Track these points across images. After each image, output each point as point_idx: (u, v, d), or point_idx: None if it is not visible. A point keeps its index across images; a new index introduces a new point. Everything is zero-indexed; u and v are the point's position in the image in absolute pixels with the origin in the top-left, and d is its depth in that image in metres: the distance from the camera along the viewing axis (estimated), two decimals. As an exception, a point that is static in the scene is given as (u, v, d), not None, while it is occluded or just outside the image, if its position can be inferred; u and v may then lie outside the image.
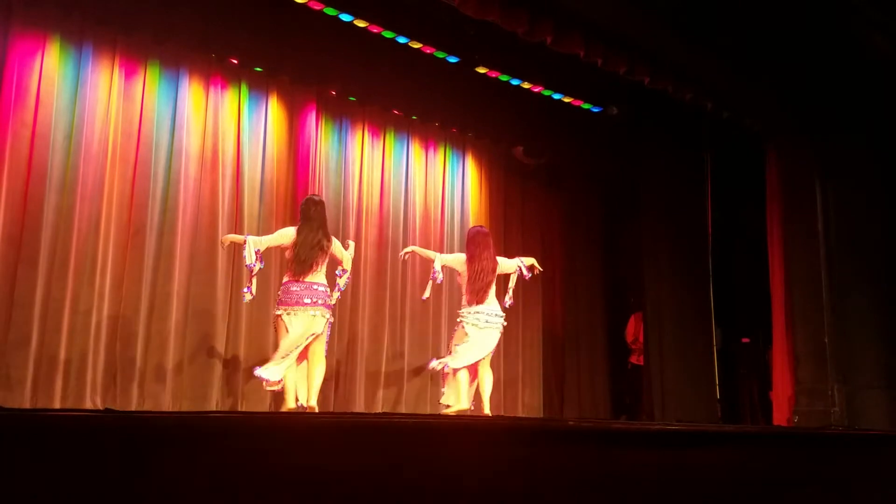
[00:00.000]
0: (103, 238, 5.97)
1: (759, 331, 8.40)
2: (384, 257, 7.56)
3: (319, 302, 5.50)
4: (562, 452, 2.84)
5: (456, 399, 5.91)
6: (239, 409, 6.42)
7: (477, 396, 6.13)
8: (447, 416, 5.63)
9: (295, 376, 5.49)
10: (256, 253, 5.43)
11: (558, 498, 2.68)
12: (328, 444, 2.33)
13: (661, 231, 8.31)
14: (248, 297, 5.53)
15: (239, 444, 2.16)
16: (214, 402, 6.31)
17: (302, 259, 5.51)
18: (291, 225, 6.84)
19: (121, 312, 6.02)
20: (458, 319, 6.12)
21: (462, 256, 6.25)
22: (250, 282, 5.50)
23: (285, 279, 5.60)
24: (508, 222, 8.62)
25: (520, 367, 8.38)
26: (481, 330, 5.99)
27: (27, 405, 5.41)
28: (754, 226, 7.96)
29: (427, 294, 6.26)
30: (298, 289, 5.48)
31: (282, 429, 2.44)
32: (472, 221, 8.26)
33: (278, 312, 5.50)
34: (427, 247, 7.83)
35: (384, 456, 2.38)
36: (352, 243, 6.10)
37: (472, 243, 6.21)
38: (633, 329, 8.63)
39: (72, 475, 1.84)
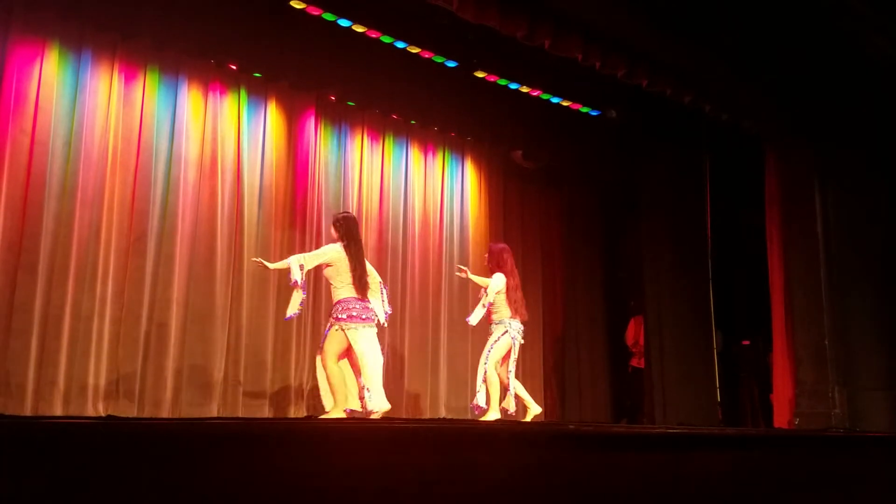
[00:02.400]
0: (104, 244, 5.97)
1: (760, 333, 8.41)
2: (384, 261, 7.56)
3: (373, 319, 5.60)
4: (563, 456, 2.84)
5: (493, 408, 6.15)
6: (239, 416, 6.41)
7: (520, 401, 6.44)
8: (447, 421, 5.67)
9: (349, 385, 5.51)
10: (301, 267, 5.44)
11: (559, 502, 2.68)
12: (331, 450, 2.33)
13: (660, 234, 8.32)
14: (298, 311, 5.53)
15: (239, 451, 2.16)
16: (215, 408, 6.30)
17: (364, 280, 5.56)
18: (289, 228, 6.92)
19: (122, 319, 6.02)
20: (505, 330, 6.21)
21: (502, 276, 6.33)
22: (303, 296, 5.51)
23: (346, 296, 5.50)
24: (508, 226, 8.62)
25: (520, 370, 8.34)
26: (517, 344, 6.30)
27: (28, 412, 5.40)
28: (754, 228, 7.96)
29: (475, 321, 6.26)
30: (360, 306, 5.51)
31: (281, 435, 2.44)
32: (471, 225, 8.28)
33: (343, 327, 5.45)
34: (426, 251, 7.88)
35: (384, 460, 2.38)
36: None
37: (502, 257, 6.42)
38: (634, 332, 8.63)
39: (74, 483, 1.84)
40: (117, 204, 6.08)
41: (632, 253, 8.73)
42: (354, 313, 5.47)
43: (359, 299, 5.52)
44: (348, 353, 5.53)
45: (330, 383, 5.46)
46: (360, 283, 5.53)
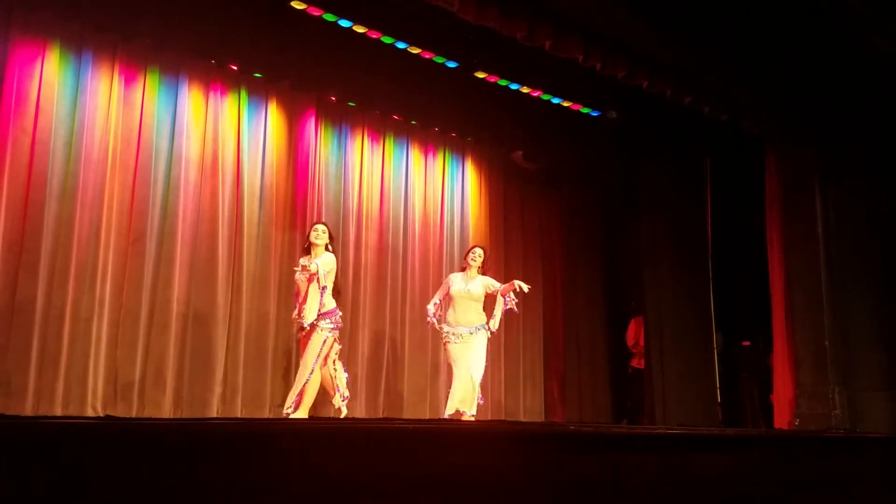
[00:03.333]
0: (104, 245, 5.97)
1: (760, 334, 8.40)
2: (384, 262, 7.57)
3: None
4: (563, 457, 2.84)
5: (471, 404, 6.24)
6: (239, 416, 6.41)
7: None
8: (449, 422, 5.67)
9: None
10: (325, 275, 5.73)
11: (559, 503, 2.68)
12: (331, 450, 2.33)
13: (661, 235, 8.32)
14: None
15: (238, 451, 2.16)
16: (214, 408, 6.30)
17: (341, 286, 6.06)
18: (289, 229, 6.95)
19: (121, 319, 6.02)
20: (490, 332, 6.41)
21: None
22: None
23: (335, 305, 5.84)
24: (508, 227, 8.62)
25: (520, 371, 8.37)
26: None
27: (28, 412, 5.40)
28: (754, 228, 7.96)
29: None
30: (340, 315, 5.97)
31: (281, 436, 2.43)
32: (472, 226, 8.27)
33: (331, 335, 5.80)
34: (426, 251, 7.89)
35: (385, 461, 2.37)
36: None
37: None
38: (634, 333, 8.63)
39: (74, 483, 1.84)
40: (117, 204, 6.09)
41: (632, 253, 8.73)
42: (339, 322, 5.95)
43: (339, 307, 5.96)
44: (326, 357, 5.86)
45: (309, 385, 5.67)
46: (339, 292, 5.98)
